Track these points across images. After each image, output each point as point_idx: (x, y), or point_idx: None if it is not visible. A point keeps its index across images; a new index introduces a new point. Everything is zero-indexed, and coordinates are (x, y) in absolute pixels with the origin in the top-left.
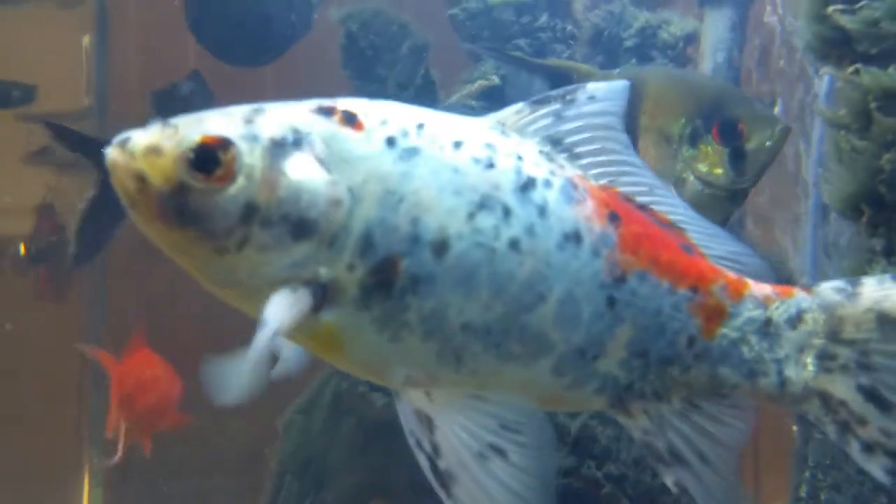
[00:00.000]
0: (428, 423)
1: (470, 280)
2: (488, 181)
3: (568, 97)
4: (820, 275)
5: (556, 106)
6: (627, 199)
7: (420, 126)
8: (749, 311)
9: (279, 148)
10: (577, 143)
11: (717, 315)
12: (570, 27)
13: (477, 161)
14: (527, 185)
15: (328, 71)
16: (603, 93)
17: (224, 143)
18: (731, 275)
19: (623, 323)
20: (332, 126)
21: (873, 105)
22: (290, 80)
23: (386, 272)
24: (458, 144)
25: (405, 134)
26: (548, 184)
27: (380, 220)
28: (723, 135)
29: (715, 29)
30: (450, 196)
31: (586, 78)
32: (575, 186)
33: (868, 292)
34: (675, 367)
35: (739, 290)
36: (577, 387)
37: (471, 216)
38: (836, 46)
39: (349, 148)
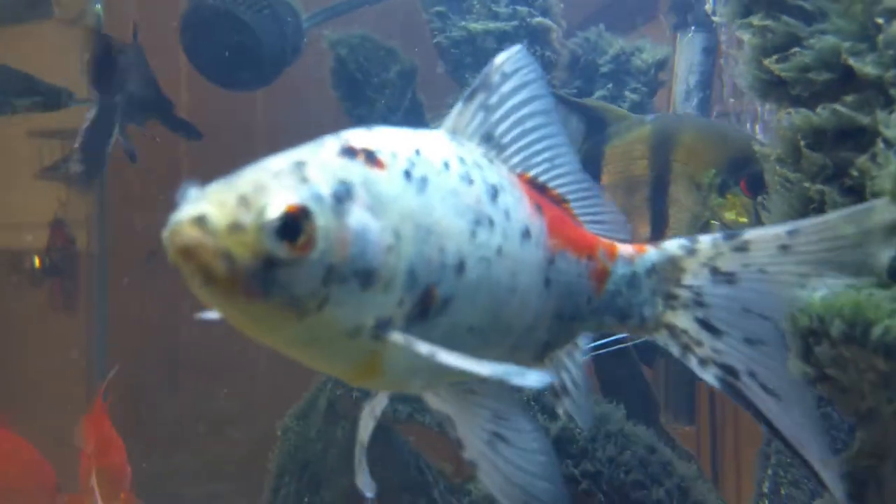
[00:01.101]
0: (450, 422)
1: (477, 290)
2: (473, 197)
3: (487, 82)
4: None
5: (482, 96)
6: (532, 183)
7: (417, 152)
8: (622, 269)
9: (340, 204)
10: (502, 135)
11: (603, 275)
12: (549, 54)
13: (462, 179)
14: (494, 194)
15: (317, 92)
16: (511, 65)
17: (305, 211)
18: (605, 240)
19: (552, 297)
20: (363, 169)
21: (802, 143)
22: (282, 100)
23: (426, 300)
24: (446, 165)
25: (413, 164)
26: (503, 188)
27: (418, 255)
28: (750, 187)
29: (687, 53)
30: (456, 219)
31: (619, 120)
32: (514, 185)
33: (703, 249)
34: (577, 323)
35: (613, 252)
36: (521, 354)
37: (473, 234)
38: (774, 88)
39: (381, 190)
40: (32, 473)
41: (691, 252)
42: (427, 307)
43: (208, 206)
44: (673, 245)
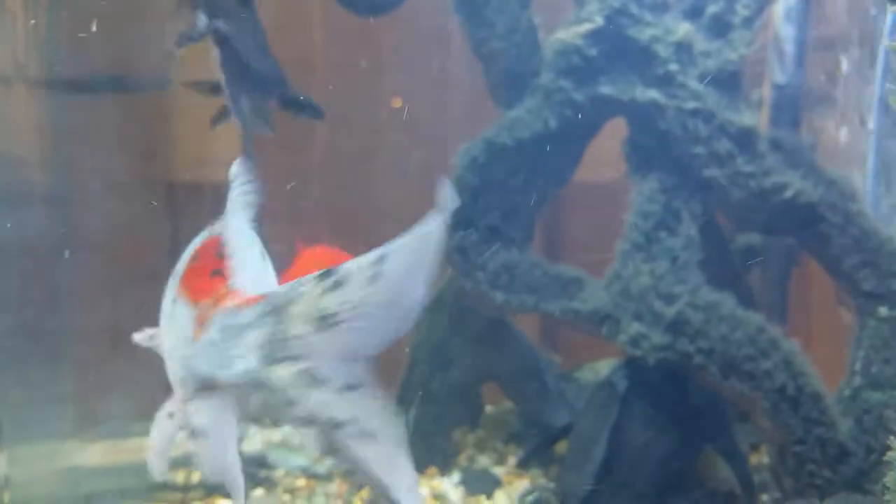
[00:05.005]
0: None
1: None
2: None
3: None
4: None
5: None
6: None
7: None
8: (222, 319)
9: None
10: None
11: (202, 323)
12: None
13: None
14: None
15: (441, 17)
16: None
17: None
18: (229, 291)
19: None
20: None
21: None
22: (408, 23)
23: None
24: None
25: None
26: (191, 245)
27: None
28: None
29: None
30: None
31: None
32: (204, 244)
33: (308, 291)
34: (186, 362)
35: (220, 303)
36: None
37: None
38: None
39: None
40: None
41: (297, 297)
42: None
43: None
44: (278, 293)
